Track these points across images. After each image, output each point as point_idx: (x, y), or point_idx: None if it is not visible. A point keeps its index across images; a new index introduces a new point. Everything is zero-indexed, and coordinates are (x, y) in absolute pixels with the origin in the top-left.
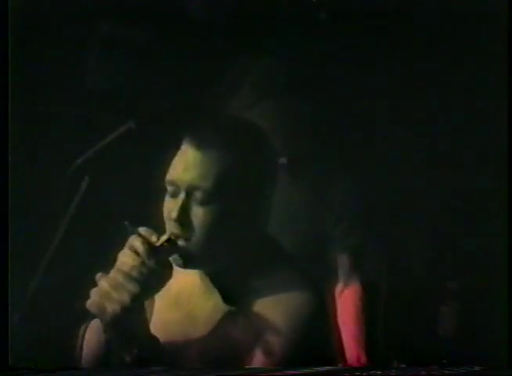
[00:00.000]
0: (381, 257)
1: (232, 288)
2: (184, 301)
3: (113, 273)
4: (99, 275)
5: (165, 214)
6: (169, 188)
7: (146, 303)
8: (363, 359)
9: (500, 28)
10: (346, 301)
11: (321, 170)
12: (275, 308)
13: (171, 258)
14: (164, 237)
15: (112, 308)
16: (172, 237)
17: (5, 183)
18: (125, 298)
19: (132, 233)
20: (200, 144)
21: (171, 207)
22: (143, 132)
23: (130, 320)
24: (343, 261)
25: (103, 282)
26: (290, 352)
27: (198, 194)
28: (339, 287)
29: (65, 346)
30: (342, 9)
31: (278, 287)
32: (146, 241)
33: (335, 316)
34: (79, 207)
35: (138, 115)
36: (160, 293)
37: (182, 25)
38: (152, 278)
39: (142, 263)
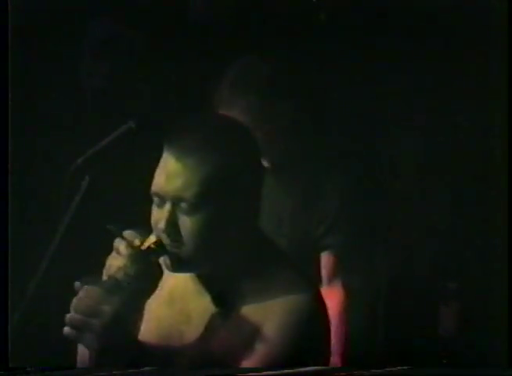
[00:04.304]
0: (367, 258)
1: (224, 291)
2: (177, 298)
3: (87, 291)
4: (77, 284)
5: (153, 223)
6: (155, 198)
7: (138, 307)
8: (338, 362)
9: (500, 28)
10: (329, 302)
11: (305, 171)
12: (270, 310)
13: (161, 260)
14: (152, 240)
15: (92, 331)
16: (158, 240)
17: (5, 183)
18: (106, 318)
19: (116, 236)
20: (179, 153)
21: (158, 218)
22: (143, 133)
23: (113, 335)
24: (327, 260)
25: (78, 305)
26: (282, 354)
27: (183, 205)
28: (323, 287)
29: (64, 346)
30: (342, 9)
31: (271, 290)
32: (130, 244)
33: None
34: (79, 207)
35: (138, 115)
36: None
37: (180, 25)
38: (140, 280)
39: (127, 266)
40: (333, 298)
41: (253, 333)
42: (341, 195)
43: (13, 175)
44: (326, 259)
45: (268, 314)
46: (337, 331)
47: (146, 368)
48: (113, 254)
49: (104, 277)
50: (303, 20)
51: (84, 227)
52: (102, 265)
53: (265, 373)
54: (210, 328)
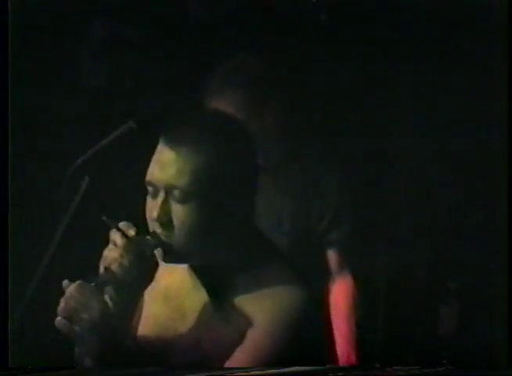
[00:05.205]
0: (373, 252)
1: (219, 283)
2: (173, 296)
3: (78, 286)
4: (65, 282)
5: (147, 214)
6: (149, 188)
7: (134, 298)
8: (353, 359)
9: (500, 27)
10: (337, 298)
11: (303, 168)
12: (262, 302)
13: (156, 252)
14: (147, 231)
15: (80, 326)
16: (153, 232)
17: (5, 183)
18: (93, 316)
19: (112, 228)
20: (174, 143)
21: (151, 207)
22: (143, 132)
23: (103, 333)
24: (331, 256)
25: (69, 300)
26: (277, 348)
27: (176, 193)
28: (331, 283)
29: (64, 346)
30: (342, 9)
31: (265, 282)
32: (126, 235)
33: (327, 314)
34: (79, 207)
35: (138, 115)
36: (149, 288)
37: (180, 24)
38: (134, 271)
39: (122, 256)
40: (341, 294)
41: (245, 325)
42: (340, 190)
43: (13, 175)
44: (331, 255)
45: (261, 307)
46: (345, 326)
47: (146, 368)
48: (110, 246)
49: (100, 269)
50: (303, 20)
51: (83, 227)
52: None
53: (264, 372)
54: (203, 322)
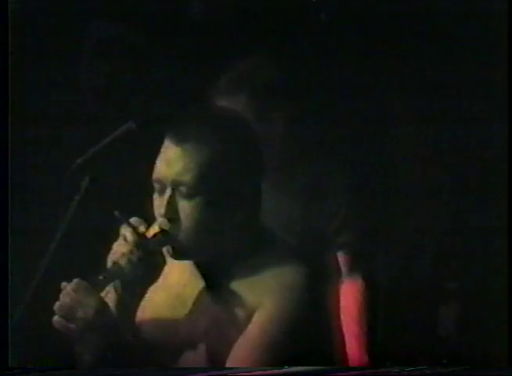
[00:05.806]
0: (381, 254)
1: (217, 272)
2: (173, 284)
3: (74, 285)
4: (64, 284)
5: (155, 211)
6: (156, 186)
7: (138, 294)
8: (365, 360)
9: (500, 28)
10: (347, 299)
11: (311, 170)
12: (267, 284)
13: (164, 249)
14: (156, 228)
15: (76, 324)
16: (163, 228)
17: (5, 183)
18: (89, 314)
19: (122, 223)
20: (179, 139)
21: (159, 204)
22: (144, 132)
23: (100, 330)
24: (342, 258)
25: (65, 298)
26: (283, 329)
27: (182, 188)
28: (341, 285)
29: (64, 346)
30: (342, 9)
31: (268, 273)
32: (136, 231)
33: (338, 315)
34: (79, 207)
35: (138, 115)
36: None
37: (180, 25)
38: (142, 267)
39: (131, 252)
40: (351, 295)
41: (251, 313)
42: (351, 192)
43: (13, 175)
44: (341, 257)
45: (266, 288)
46: (358, 330)
47: (147, 368)
48: (120, 240)
49: (108, 263)
50: (303, 20)
51: (83, 227)
52: (101, 264)
53: (266, 372)
54: (204, 310)
